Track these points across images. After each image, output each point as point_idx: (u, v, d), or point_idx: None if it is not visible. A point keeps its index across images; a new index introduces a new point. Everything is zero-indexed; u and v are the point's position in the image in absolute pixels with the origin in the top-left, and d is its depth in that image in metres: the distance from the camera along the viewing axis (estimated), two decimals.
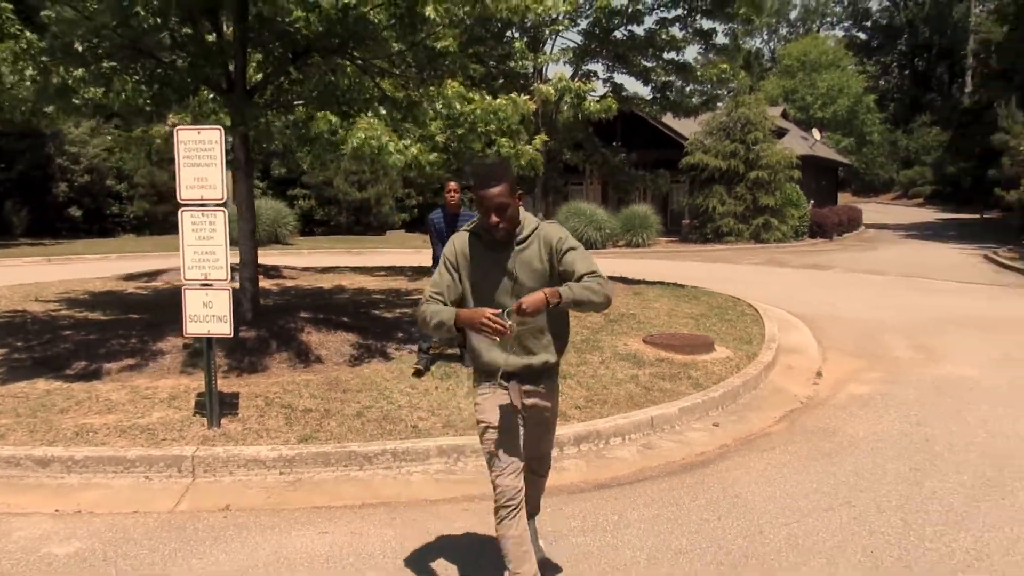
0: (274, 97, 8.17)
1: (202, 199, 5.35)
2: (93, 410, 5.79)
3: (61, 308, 10.01)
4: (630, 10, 13.25)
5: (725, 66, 13.87)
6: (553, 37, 14.28)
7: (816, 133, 40.48)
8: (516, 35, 13.78)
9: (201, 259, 5.36)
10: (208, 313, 5.40)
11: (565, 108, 13.58)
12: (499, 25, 13.01)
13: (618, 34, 13.73)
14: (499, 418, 3.23)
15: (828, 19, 74.15)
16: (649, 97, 14.62)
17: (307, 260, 19.40)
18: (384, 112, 7.53)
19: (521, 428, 3.27)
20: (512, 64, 13.17)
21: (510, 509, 3.17)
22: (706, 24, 13.93)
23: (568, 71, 14.24)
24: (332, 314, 8.73)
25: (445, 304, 3.17)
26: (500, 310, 2.95)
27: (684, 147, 26.76)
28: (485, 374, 3.30)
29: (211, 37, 7.64)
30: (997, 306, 12.14)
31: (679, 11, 13.45)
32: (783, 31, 75.26)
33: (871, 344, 9.24)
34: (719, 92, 15.19)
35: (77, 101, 7.07)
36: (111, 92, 7.03)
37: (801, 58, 56.87)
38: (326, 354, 7.30)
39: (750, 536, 4.13)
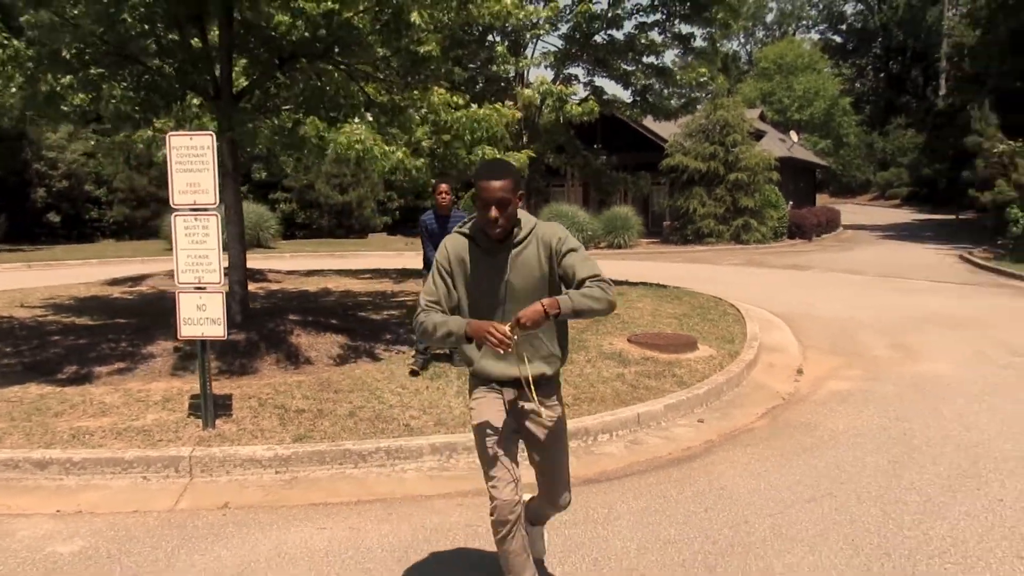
0: (261, 102, 8.25)
1: (195, 204, 5.43)
2: (88, 413, 5.85)
3: (48, 314, 10.02)
4: (610, 15, 13.45)
5: (704, 70, 14.10)
6: (534, 41, 14.46)
7: (794, 135, 40.98)
8: (498, 39, 13.93)
9: (195, 263, 5.44)
10: (202, 316, 5.48)
11: (546, 111, 13.73)
12: (480, 29, 13.16)
13: (598, 38, 13.93)
14: (492, 423, 3.11)
15: (804, 22, 75.04)
16: (629, 100, 14.82)
17: (290, 263, 19.43)
18: (371, 118, 7.63)
19: (516, 436, 3.18)
20: (494, 68, 13.31)
21: (508, 526, 3.03)
22: (684, 28, 14.16)
23: (549, 75, 14.43)
24: (320, 316, 8.81)
25: (443, 313, 3.04)
26: (507, 324, 2.84)
27: (664, 149, 27.04)
28: (479, 380, 3.19)
29: (197, 43, 7.73)
30: (972, 305, 12.41)
31: (658, 16, 13.67)
32: (760, 34, 76.12)
33: (850, 342, 9.44)
34: (698, 95, 15.41)
35: (65, 108, 7.13)
36: (100, 99, 7.08)
37: (778, 61, 57.48)
38: (316, 356, 7.39)
39: (736, 526, 4.28)
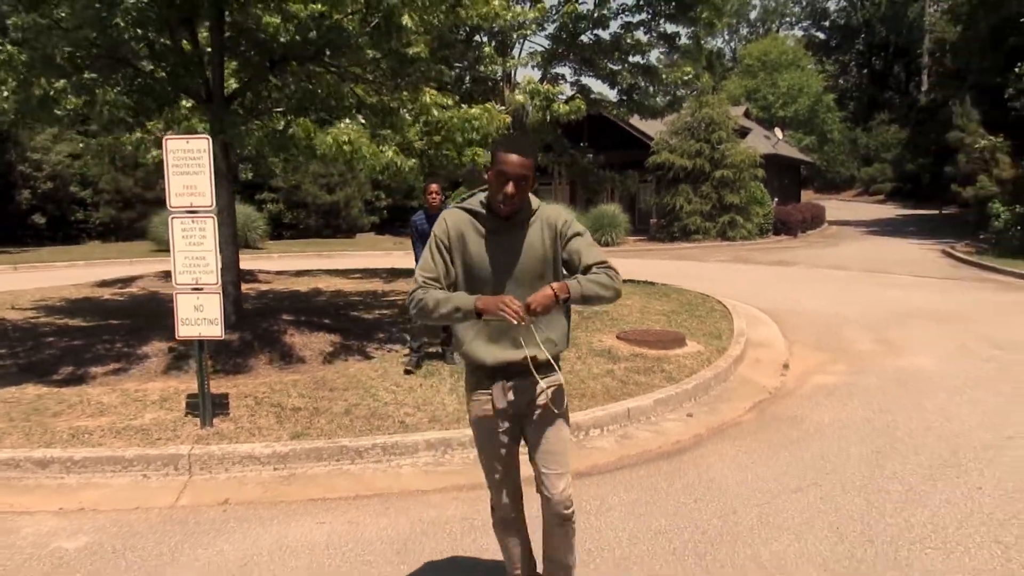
0: (252, 104, 8.32)
1: (192, 206, 5.51)
2: (86, 413, 5.93)
3: (40, 315, 10.05)
4: (596, 15, 13.58)
5: (689, 68, 14.23)
6: (521, 41, 14.56)
7: (778, 132, 41.21)
8: (485, 39, 14.03)
9: (192, 264, 5.52)
10: (199, 316, 5.57)
11: (533, 111, 13.84)
12: (468, 30, 13.26)
13: (585, 38, 14.04)
14: (490, 441, 3.09)
15: (787, 19, 75.44)
16: (616, 99, 14.94)
17: (278, 264, 19.46)
18: (363, 119, 7.72)
19: (513, 434, 3.10)
20: (482, 68, 13.40)
21: (507, 523, 3.18)
22: (670, 28, 14.29)
23: (536, 75, 14.53)
24: (313, 316, 8.90)
25: (443, 289, 2.92)
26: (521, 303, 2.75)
27: (650, 147, 27.20)
28: (475, 376, 3.08)
29: (187, 46, 7.79)
30: (954, 299, 12.62)
31: (643, 15, 13.80)
32: (743, 31, 76.45)
33: (835, 337, 9.60)
34: (683, 93, 15.56)
35: (59, 112, 7.18)
36: (94, 103, 7.14)
37: (762, 58, 57.77)
38: (310, 355, 7.48)
39: (724, 516, 4.41)
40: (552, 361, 3.06)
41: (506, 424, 3.06)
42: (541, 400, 3.05)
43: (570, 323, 3.15)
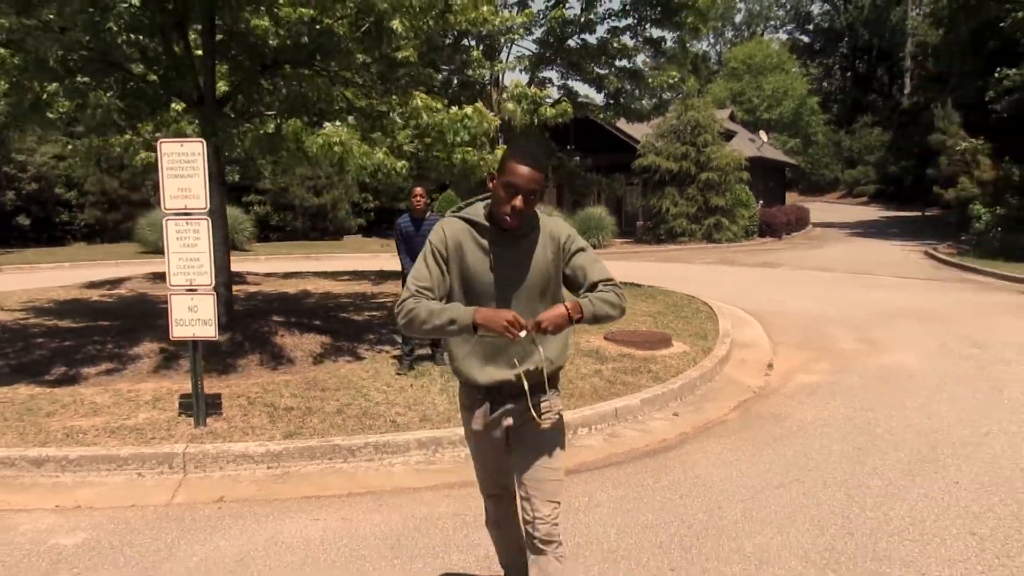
0: (244, 108, 8.39)
1: (186, 208, 5.58)
2: (79, 413, 5.98)
3: (29, 316, 10.07)
4: (583, 19, 13.69)
5: (675, 72, 14.38)
6: (509, 45, 14.64)
7: (763, 135, 41.56)
8: (473, 43, 14.12)
9: (186, 265, 5.60)
10: (193, 317, 5.64)
11: (520, 114, 13.95)
12: (455, 34, 13.34)
13: (572, 42, 14.16)
14: (486, 461, 3.06)
15: (772, 22, 75.92)
16: (602, 103, 15.08)
17: (266, 266, 19.47)
18: (353, 122, 7.80)
19: (496, 453, 2.99)
20: (470, 73, 13.50)
21: (500, 524, 3.18)
22: (655, 32, 14.45)
23: (524, 78, 14.64)
24: (303, 318, 8.97)
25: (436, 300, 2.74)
26: (523, 320, 2.62)
27: (636, 149, 27.37)
28: (468, 393, 2.95)
29: (179, 48, 7.85)
30: (935, 300, 12.81)
31: (630, 20, 13.93)
32: (729, 34, 76.90)
33: (818, 337, 9.76)
34: (669, 96, 15.70)
35: (52, 115, 7.23)
36: (87, 106, 7.19)
37: (747, 61, 58.16)
38: (301, 356, 7.55)
39: (709, 511, 4.53)
40: (547, 382, 2.87)
41: (499, 438, 2.93)
42: (543, 423, 2.85)
43: (569, 341, 2.99)
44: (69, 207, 30.07)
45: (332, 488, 4.99)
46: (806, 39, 71.61)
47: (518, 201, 2.68)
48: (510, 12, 13.06)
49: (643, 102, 15.11)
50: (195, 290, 5.64)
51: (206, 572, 3.86)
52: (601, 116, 15.63)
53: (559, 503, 2.89)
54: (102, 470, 5.16)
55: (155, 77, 7.69)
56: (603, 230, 25.96)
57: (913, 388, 7.27)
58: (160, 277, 14.66)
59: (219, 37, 7.92)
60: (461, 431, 5.55)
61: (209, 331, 5.68)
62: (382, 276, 15.02)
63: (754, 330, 10.27)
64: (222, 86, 8.65)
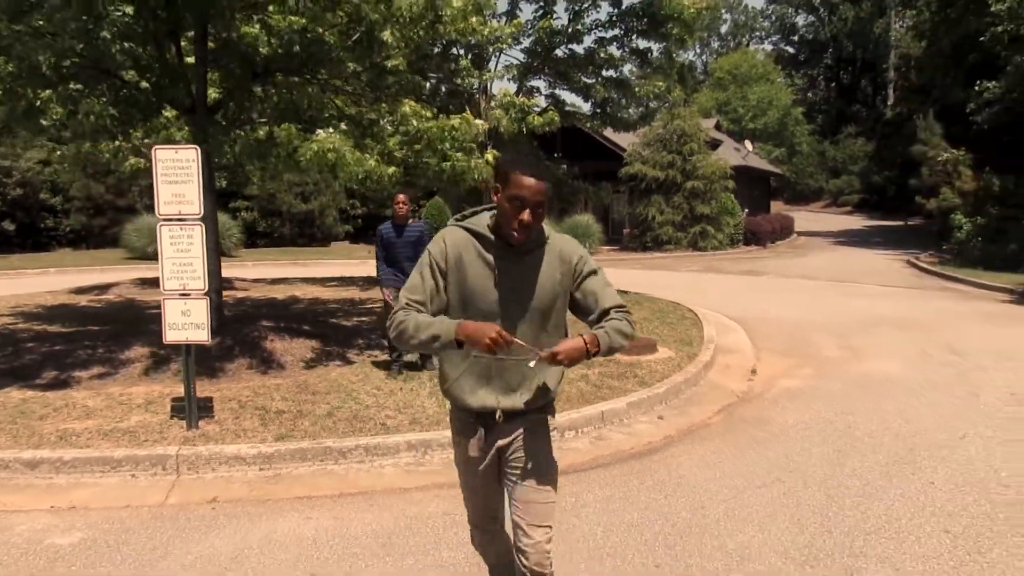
0: (235, 115, 8.48)
1: (180, 214, 5.67)
2: (72, 416, 6.04)
3: (18, 321, 10.10)
4: (570, 30, 13.88)
5: (661, 83, 14.58)
6: (497, 55, 14.81)
7: (748, 144, 41.89)
8: (461, 52, 14.26)
9: (180, 270, 5.68)
10: (186, 321, 5.72)
11: (507, 122, 14.09)
12: (444, 42, 13.48)
13: (559, 52, 14.34)
14: (475, 489, 2.91)
15: (757, 33, 76.56)
16: (589, 112, 15.26)
17: (254, 272, 19.53)
18: (345, 128, 7.91)
19: (487, 481, 2.86)
20: (458, 81, 13.64)
21: (485, 543, 3.06)
22: (642, 43, 14.64)
23: (512, 87, 14.79)
24: (292, 323, 9.05)
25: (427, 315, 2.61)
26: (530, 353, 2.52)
27: (623, 158, 27.58)
28: (459, 417, 2.84)
29: (171, 57, 7.94)
30: (917, 308, 13.02)
31: (617, 31, 14.12)
32: (715, 44, 77.48)
33: (801, 344, 9.92)
34: (656, 106, 15.90)
35: (45, 122, 7.29)
36: (79, 113, 7.26)
37: (732, 71, 58.63)
38: (291, 360, 7.64)
39: (693, 510, 4.65)
40: (543, 409, 2.80)
41: (489, 464, 2.81)
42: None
43: (564, 373, 2.87)
44: (54, 212, 29.96)
45: (324, 489, 5.08)
46: (791, 50, 72.24)
47: (526, 215, 2.52)
48: (499, 22, 13.22)
49: (630, 111, 15.31)
50: (188, 295, 5.73)
51: (202, 569, 3.95)
52: (588, 125, 15.81)
53: (551, 527, 2.76)
54: (96, 472, 5.23)
55: (147, 85, 7.77)
56: (590, 237, 26.12)
57: (893, 393, 7.42)
58: (148, 283, 14.70)
59: (211, 45, 8.02)
60: (450, 433, 5.69)
61: (202, 335, 5.77)
62: (370, 282, 15.08)
63: (738, 336, 10.42)
64: (213, 93, 8.75)
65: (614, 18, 13.96)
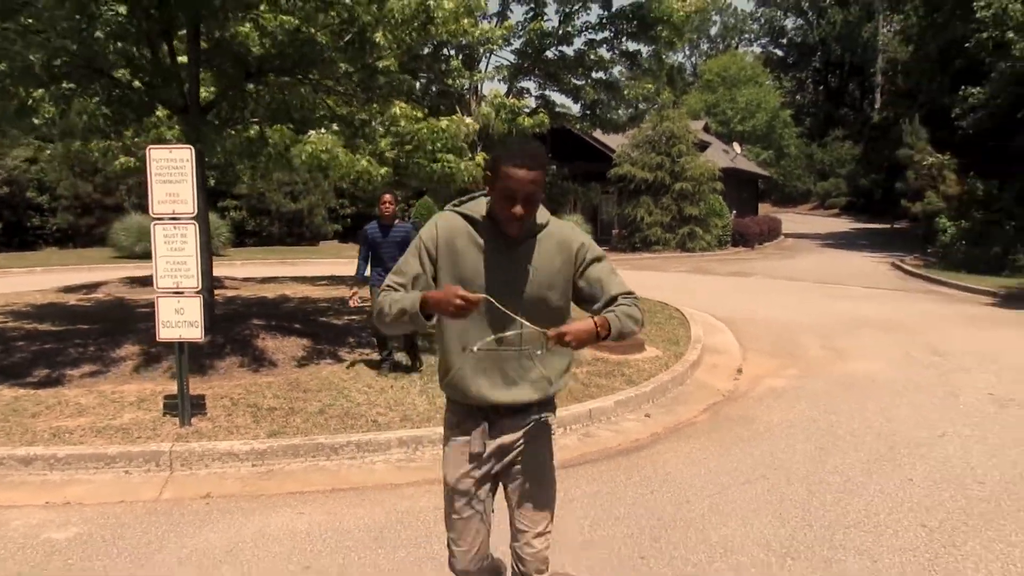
0: (228, 115, 8.54)
1: (174, 213, 5.73)
2: (65, 413, 6.10)
3: (7, 320, 10.12)
4: (561, 32, 14.01)
5: (650, 85, 14.73)
6: (488, 56, 14.90)
7: (737, 146, 42.13)
8: (452, 53, 14.37)
9: (173, 268, 5.74)
10: (180, 319, 5.78)
11: (497, 123, 14.20)
12: (435, 43, 13.58)
13: (550, 54, 14.49)
14: (460, 486, 2.68)
15: (746, 36, 77.04)
16: (579, 114, 15.38)
17: (243, 271, 19.54)
18: (337, 129, 7.98)
19: (489, 491, 2.73)
20: (449, 82, 13.74)
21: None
22: (631, 46, 14.79)
23: (502, 88, 14.90)
24: (283, 321, 9.11)
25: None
26: (481, 295, 2.39)
27: (612, 159, 27.72)
28: (455, 413, 2.72)
29: (164, 57, 7.99)
30: (901, 310, 13.19)
31: (607, 34, 14.26)
32: (704, 46, 77.89)
33: (787, 344, 10.05)
34: (645, 107, 16.05)
35: (37, 121, 7.33)
36: (71, 112, 7.30)
37: (721, 73, 58.99)
38: (283, 358, 7.70)
39: (678, 504, 4.75)
40: (545, 404, 2.72)
41: (484, 472, 2.68)
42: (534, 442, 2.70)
43: (572, 368, 2.80)
44: (41, 211, 29.83)
45: (316, 484, 5.16)
46: (780, 53, 72.74)
47: (517, 209, 2.43)
48: (490, 24, 13.32)
49: (619, 112, 15.45)
50: (182, 293, 5.79)
51: (197, 563, 4.02)
52: (578, 126, 15.95)
53: (550, 532, 2.78)
54: (90, 468, 5.28)
55: (140, 84, 7.82)
56: None
57: (875, 393, 7.55)
58: (136, 281, 14.72)
59: (204, 45, 8.07)
60: (440, 430, 5.76)
61: (195, 333, 5.83)
62: (359, 282, 15.12)
63: (725, 337, 10.55)
64: (206, 93, 8.80)
65: (604, 20, 14.11)
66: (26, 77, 7.28)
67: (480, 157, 9.15)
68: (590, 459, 5.71)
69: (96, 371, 7.27)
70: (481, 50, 14.33)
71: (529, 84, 15.41)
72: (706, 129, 38.36)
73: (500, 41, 13.57)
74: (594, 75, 14.55)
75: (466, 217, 2.59)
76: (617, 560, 4.02)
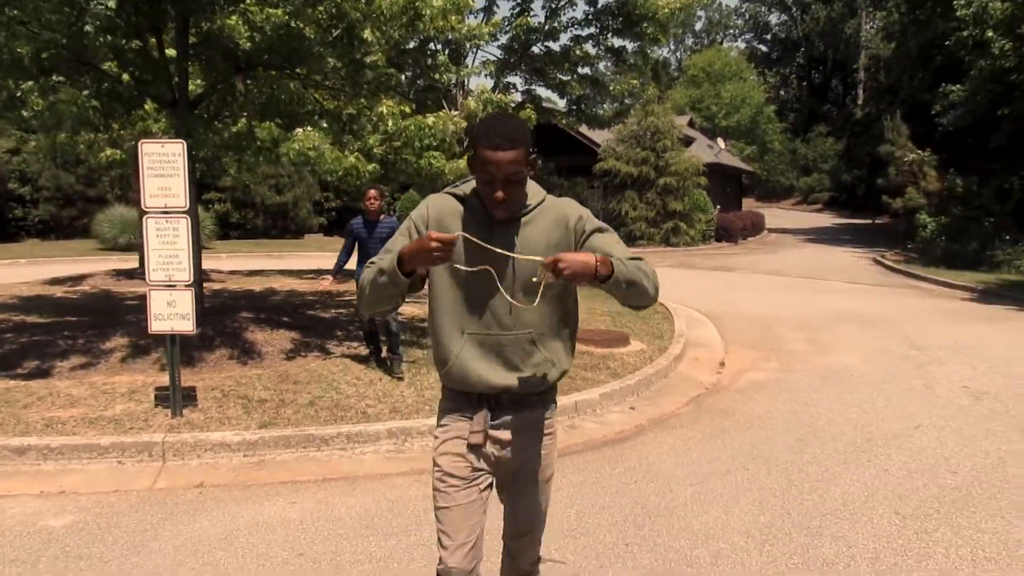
0: (217, 109, 8.58)
1: (166, 207, 5.80)
2: (56, 405, 6.15)
3: None
4: (547, 27, 14.10)
5: (635, 81, 14.86)
6: (474, 51, 14.99)
7: (721, 142, 42.31)
8: (439, 47, 14.43)
9: (165, 262, 5.81)
10: (172, 312, 5.85)
11: (483, 116, 14.29)
12: (422, 38, 13.64)
13: (536, 49, 14.57)
14: (453, 470, 2.49)
15: (731, 31, 77.35)
16: (565, 109, 15.49)
17: (228, 264, 19.50)
18: (325, 125, 8.05)
19: (481, 477, 2.53)
20: (436, 76, 13.80)
21: None
22: (617, 42, 14.91)
23: (489, 83, 14.98)
24: (271, 314, 9.18)
25: None
26: (456, 235, 2.24)
27: (598, 153, 27.84)
28: (452, 401, 2.55)
29: (153, 51, 8.03)
30: (881, 304, 13.42)
31: (592, 29, 14.37)
32: (689, 41, 78.14)
33: (769, 338, 10.23)
34: (630, 103, 16.19)
35: (26, 113, 7.36)
36: (61, 104, 7.33)
37: (706, 69, 59.22)
38: (272, 351, 7.78)
39: (661, 494, 4.89)
40: (547, 396, 2.57)
41: (480, 465, 2.53)
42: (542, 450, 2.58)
43: (575, 342, 2.61)
44: (23, 202, 29.63)
45: (307, 474, 5.26)
46: (764, 48, 73.05)
47: (498, 193, 2.28)
48: (476, 20, 13.40)
49: (604, 107, 15.57)
50: (174, 285, 5.86)
51: (193, 549, 4.11)
52: (564, 121, 16.05)
53: (541, 535, 2.73)
54: (83, 458, 5.36)
55: (129, 78, 7.85)
56: None
57: (854, 386, 7.73)
58: (123, 274, 14.69)
59: (192, 40, 8.11)
60: (430, 421, 5.88)
61: (187, 325, 5.91)
62: (347, 274, 15.18)
63: (708, 330, 10.71)
64: (194, 87, 8.84)
65: (590, 16, 14.21)
66: (15, 69, 7.30)
67: (467, 158, 9.23)
68: (576, 450, 5.84)
69: (86, 363, 7.32)
70: (468, 45, 14.40)
71: (515, 79, 15.48)
72: (691, 124, 38.55)
73: (487, 36, 13.65)
74: (580, 70, 14.68)
75: (457, 197, 2.46)
76: (602, 547, 4.15)
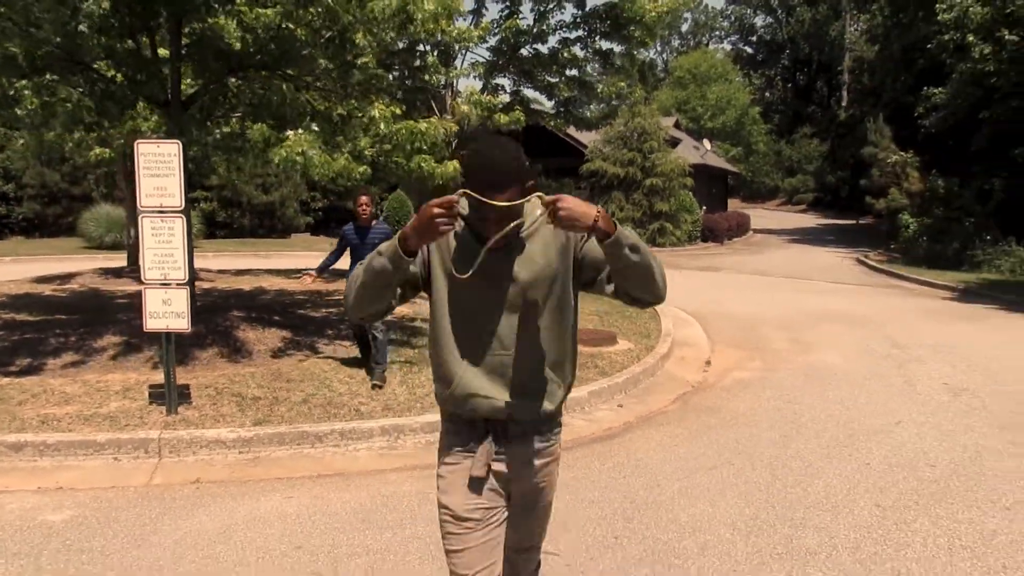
0: (209, 110, 8.64)
1: (161, 206, 5.87)
2: (51, 402, 6.21)
3: None
4: (535, 30, 14.23)
5: (622, 83, 15.00)
6: (463, 52, 15.08)
7: (707, 143, 42.57)
8: (428, 49, 14.52)
9: (161, 261, 5.89)
10: (167, 310, 5.93)
11: (474, 118, 14.40)
12: (410, 40, 13.73)
13: (525, 51, 14.69)
14: (461, 512, 2.37)
15: (717, 33, 77.73)
16: (553, 111, 15.63)
17: (216, 263, 19.49)
18: (316, 127, 8.12)
19: (496, 514, 2.39)
20: (425, 77, 13.89)
21: None
22: (604, 44, 15.06)
23: (478, 84, 15.11)
24: (262, 313, 9.25)
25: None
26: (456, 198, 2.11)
27: (585, 154, 27.98)
28: (453, 427, 2.43)
29: (146, 43, 8.08)
30: (864, 304, 13.61)
31: (580, 32, 14.50)
32: (675, 43, 78.47)
33: (754, 337, 10.38)
34: (617, 104, 16.33)
35: (20, 112, 7.40)
36: (55, 103, 7.38)
37: (692, 70, 59.51)
38: (264, 349, 7.86)
39: (649, 488, 5.01)
40: (553, 419, 2.45)
41: (493, 502, 2.39)
42: (538, 478, 2.45)
43: (576, 356, 2.51)
44: (7, 200, 29.47)
45: (302, 471, 5.35)
46: (749, 50, 73.45)
47: (492, 230, 2.18)
48: (467, 24, 13.52)
49: (592, 109, 15.71)
50: (169, 284, 5.93)
51: (193, 543, 4.20)
52: (551, 123, 16.17)
53: (541, 551, 2.71)
54: (79, 455, 5.42)
55: (122, 78, 7.91)
56: None
57: (836, 383, 7.89)
58: (110, 272, 14.69)
59: (185, 40, 8.17)
60: (422, 419, 5.99)
61: (182, 323, 5.98)
62: (335, 274, 15.24)
63: (694, 330, 10.86)
64: (187, 87, 8.89)
65: (578, 20, 14.35)
66: (8, 67, 7.34)
67: (457, 162, 9.33)
68: (565, 447, 5.88)
69: (78, 361, 7.37)
70: (457, 47, 14.50)
71: (504, 81, 15.59)
72: (677, 126, 38.78)
73: (476, 39, 13.75)
74: (568, 72, 14.81)
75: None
76: (592, 540, 4.27)
